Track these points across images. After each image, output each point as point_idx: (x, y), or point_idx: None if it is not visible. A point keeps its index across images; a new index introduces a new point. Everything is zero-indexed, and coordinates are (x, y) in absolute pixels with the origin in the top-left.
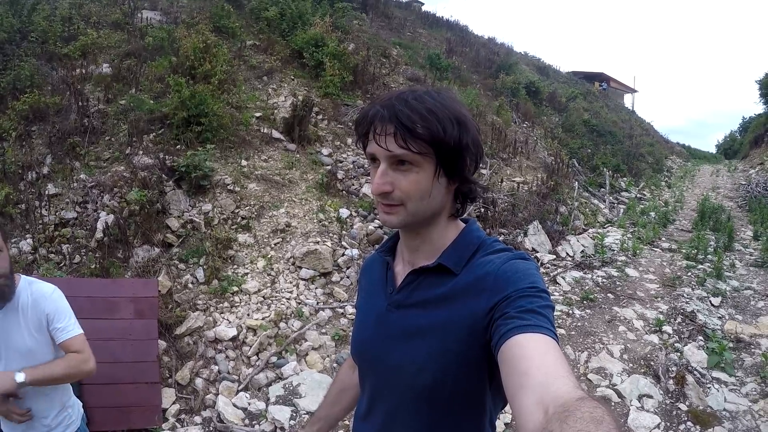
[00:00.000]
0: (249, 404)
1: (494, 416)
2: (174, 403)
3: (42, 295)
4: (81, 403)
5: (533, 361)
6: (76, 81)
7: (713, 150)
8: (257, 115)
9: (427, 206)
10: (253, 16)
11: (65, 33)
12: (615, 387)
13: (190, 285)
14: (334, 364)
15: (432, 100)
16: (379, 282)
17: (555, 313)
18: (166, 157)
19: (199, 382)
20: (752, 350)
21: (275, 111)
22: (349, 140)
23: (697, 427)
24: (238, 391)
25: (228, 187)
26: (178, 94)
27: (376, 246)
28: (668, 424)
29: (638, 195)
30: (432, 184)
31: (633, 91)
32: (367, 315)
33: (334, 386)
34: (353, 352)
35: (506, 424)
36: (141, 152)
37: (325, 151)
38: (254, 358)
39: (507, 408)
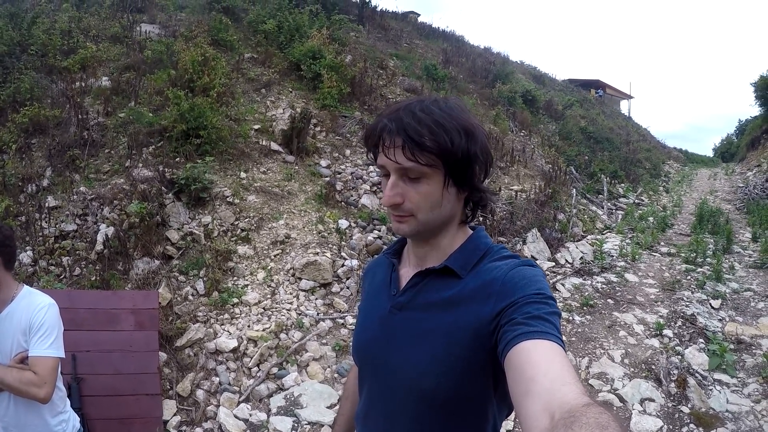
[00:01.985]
0: (250, 415)
1: (498, 423)
2: (175, 414)
3: (35, 306)
4: (78, 419)
5: (540, 368)
6: (75, 94)
7: (711, 154)
8: (256, 127)
9: (438, 216)
10: (251, 29)
11: (65, 46)
12: (616, 392)
13: (190, 297)
14: (335, 375)
15: (439, 111)
16: (382, 283)
17: None
18: (166, 169)
19: (200, 393)
20: (753, 351)
21: (273, 123)
22: (348, 152)
23: (700, 429)
24: (239, 403)
25: (227, 199)
26: (177, 107)
27: (376, 256)
28: (671, 426)
29: (636, 200)
30: (442, 195)
31: (629, 97)
32: (370, 316)
33: (346, 402)
34: (354, 354)
35: (508, 431)
36: (140, 165)
37: (323, 163)
38: (255, 369)
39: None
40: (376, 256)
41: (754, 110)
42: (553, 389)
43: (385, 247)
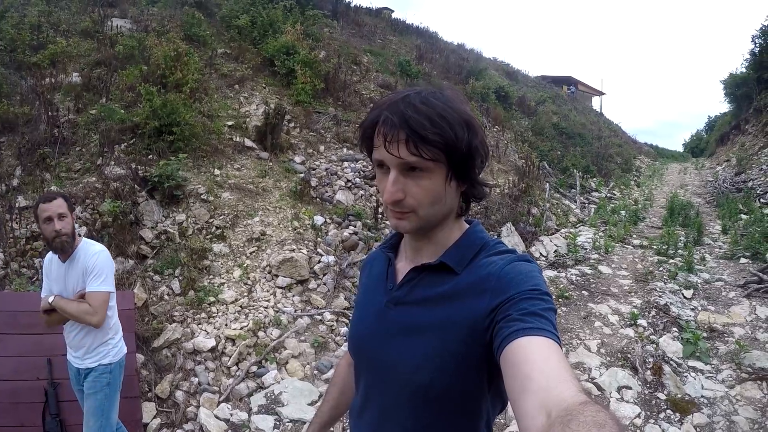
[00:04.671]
0: (231, 415)
1: (492, 418)
2: (155, 417)
3: (89, 252)
4: (125, 352)
5: (536, 365)
6: (45, 90)
7: (681, 149)
8: (229, 123)
9: (439, 211)
10: (224, 24)
11: (34, 41)
12: (594, 380)
13: (166, 297)
14: (315, 371)
15: (440, 103)
16: (379, 278)
17: None
18: (139, 167)
19: (179, 394)
20: (726, 338)
21: (247, 119)
22: (322, 148)
23: (677, 414)
24: (219, 403)
25: (201, 196)
26: (150, 103)
27: (352, 252)
28: (648, 413)
29: (608, 194)
30: (444, 190)
31: (601, 93)
32: (366, 310)
33: (334, 388)
34: (350, 348)
35: None
36: (113, 163)
37: (297, 159)
38: (234, 368)
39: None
40: (350, 254)
41: (724, 107)
42: (550, 387)
43: (361, 242)
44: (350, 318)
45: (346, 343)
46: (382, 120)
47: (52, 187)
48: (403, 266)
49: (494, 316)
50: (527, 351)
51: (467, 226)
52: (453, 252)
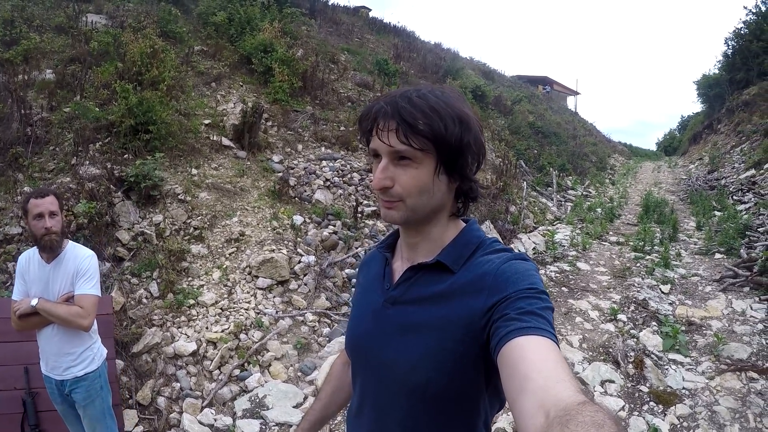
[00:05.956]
0: (215, 420)
1: (489, 418)
2: (137, 424)
3: (80, 255)
4: (106, 351)
5: (534, 365)
6: (18, 88)
7: (654, 148)
8: (206, 122)
9: (427, 202)
10: (201, 20)
11: (6, 37)
12: (577, 375)
13: (144, 300)
14: (299, 373)
15: (435, 98)
16: (376, 277)
17: None
18: (114, 166)
19: (161, 400)
20: (704, 332)
21: (224, 118)
22: (300, 146)
23: (660, 406)
24: (202, 408)
25: (179, 196)
26: (125, 101)
27: (332, 252)
28: (632, 405)
29: (584, 192)
30: (432, 181)
31: (575, 93)
32: (363, 310)
33: (327, 386)
34: (347, 347)
35: None
36: (87, 162)
37: (275, 158)
38: (216, 372)
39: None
40: (329, 254)
41: (697, 107)
42: (548, 387)
43: (341, 242)
44: (333, 318)
45: (329, 344)
46: (376, 110)
47: (25, 188)
48: (399, 266)
49: (491, 315)
50: (525, 350)
51: (463, 224)
52: (449, 251)
